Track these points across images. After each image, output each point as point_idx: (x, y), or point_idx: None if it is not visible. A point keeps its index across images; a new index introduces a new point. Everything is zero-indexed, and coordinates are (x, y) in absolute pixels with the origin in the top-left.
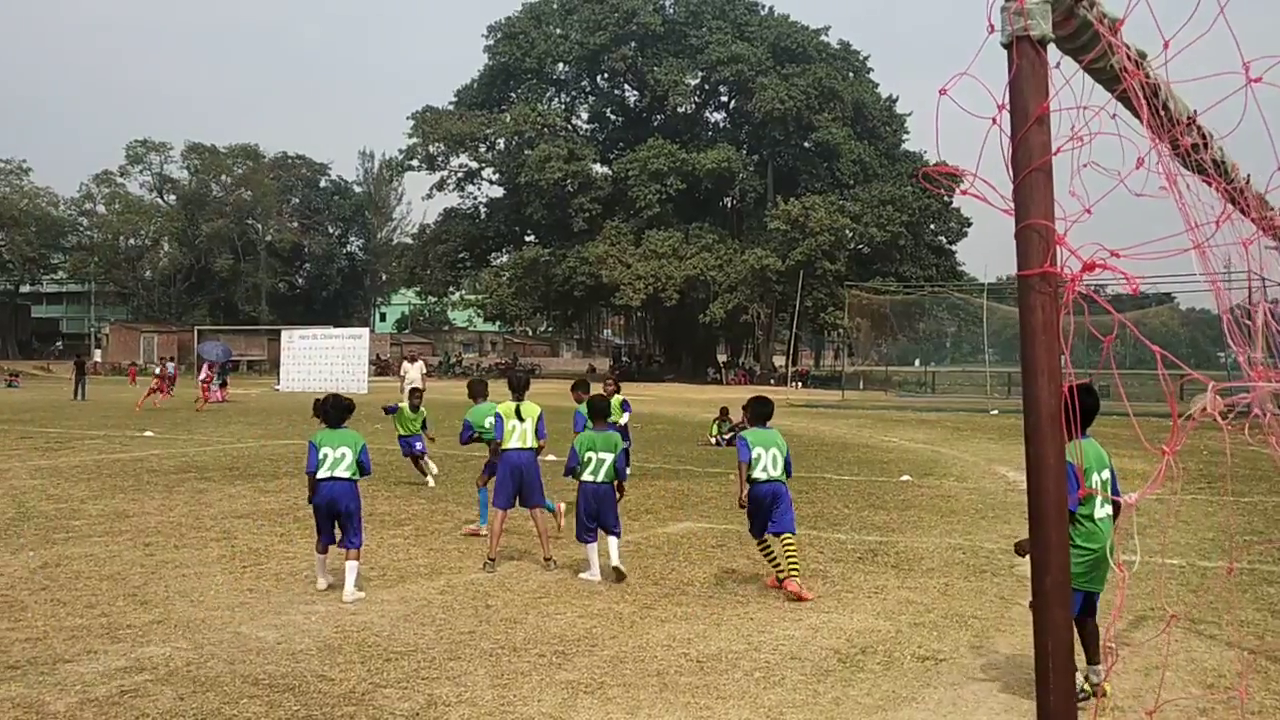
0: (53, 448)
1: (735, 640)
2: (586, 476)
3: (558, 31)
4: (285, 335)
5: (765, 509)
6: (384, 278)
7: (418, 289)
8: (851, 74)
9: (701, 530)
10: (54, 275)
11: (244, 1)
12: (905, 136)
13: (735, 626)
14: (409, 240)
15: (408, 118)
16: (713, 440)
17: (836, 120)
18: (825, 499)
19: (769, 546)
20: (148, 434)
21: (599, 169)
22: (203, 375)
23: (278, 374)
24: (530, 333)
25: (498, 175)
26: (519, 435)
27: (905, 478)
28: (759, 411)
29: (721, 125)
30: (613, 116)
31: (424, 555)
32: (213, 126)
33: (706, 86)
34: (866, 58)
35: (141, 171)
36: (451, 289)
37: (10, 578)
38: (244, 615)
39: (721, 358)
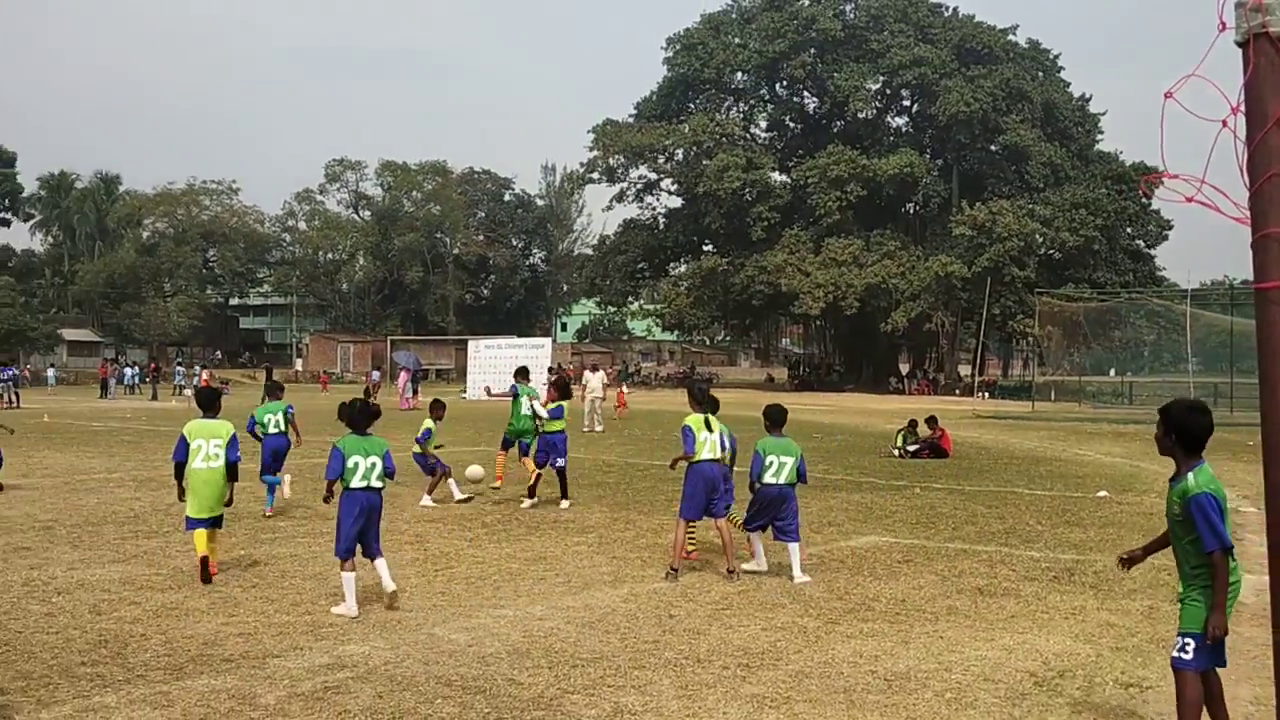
0: (258, 451)
1: (925, 659)
2: (769, 479)
3: (736, 41)
4: (471, 345)
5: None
6: (565, 288)
7: (597, 299)
8: (1041, 73)
9: (887, 544)
10: (260, 288)
11: (431, 27)
12: (1099, 137)
13: (924, 645)
14: (589, 251)
15: (588, 131)
16: (897, 452)
17: (1025, 122)
18: (1017, 514)
19: (694, 531)
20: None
21: (778, 177)
22: (401, 381)
23: (465, 382)
24: (708, 342)
25: (676, 186)
26: (709, 446)
27: (1102, 493)
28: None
29: (903, 130)
30: (791, 124)
31: (607, 563)
32: (404, 144)
33: (888, 91)
34: (1057, 56)
35: (339, 189)
36: (630, 299)
37: (225, 574)
38: (436, 617)
39: (904, 367)
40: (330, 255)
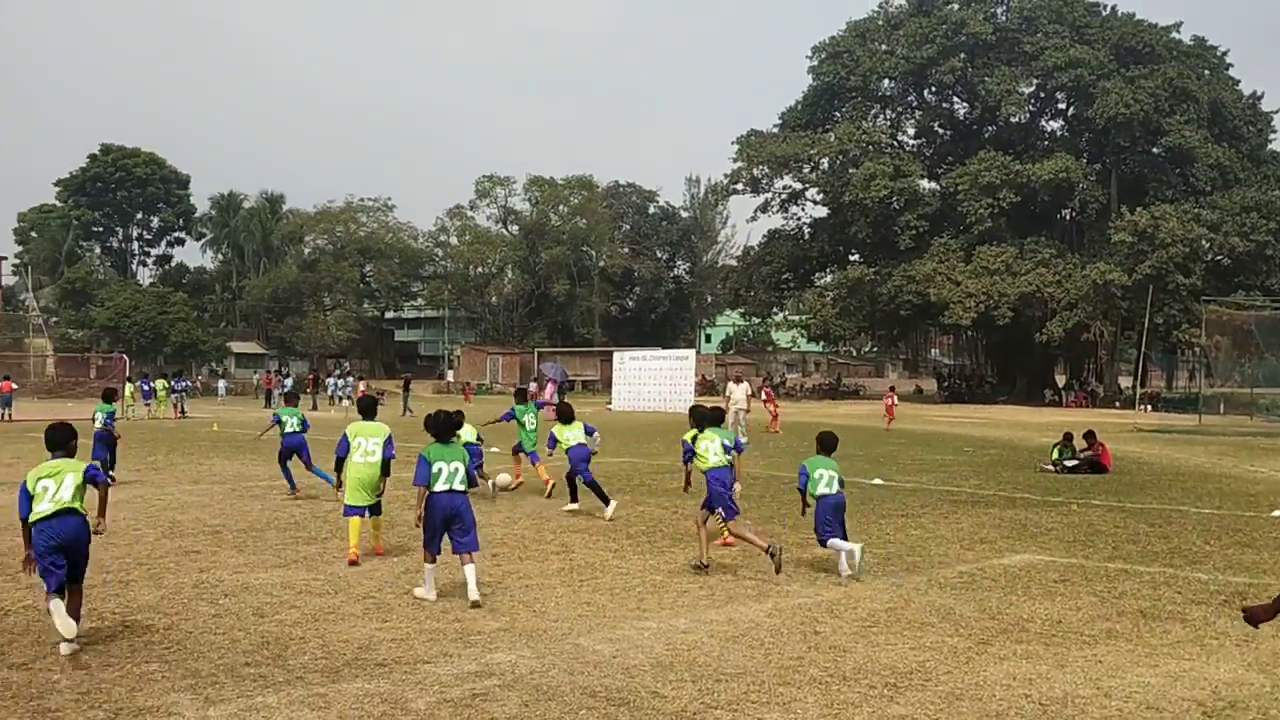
0: (411, 461)
1: (1082, 684)
2: (823, 490)
3: (883, 48)
4: (617, 356)
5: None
6: (709, 300)
7: (742, 310)
8: (1207, 71)
9: (1042, 563)
10: (413, 302)
11: (579, 43)
12: (1272, 136)
13: (1081, 669)
14: (733, 263)
15: (732, 142)
16: (1052, 467)
17: (1190, 123)
18: (1182, 533)
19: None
20: (494, 450)
21: (926, 185)
22: (548, 393)
23: (610, 393)
24: (854, 353)
25: (821, 195)
26: (714, 452)
27: (1277, 513)
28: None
29: (1058, 134)
30: (940, 130)
31: (751, 576)
32: (551, 159)
33: (1042, 94)
34: (1225, 53)
35: (489, 204)
36: (775, 310)
37: (378, 581)
38: (582, 628)
39: (1060, 379)
40: (480, 269)
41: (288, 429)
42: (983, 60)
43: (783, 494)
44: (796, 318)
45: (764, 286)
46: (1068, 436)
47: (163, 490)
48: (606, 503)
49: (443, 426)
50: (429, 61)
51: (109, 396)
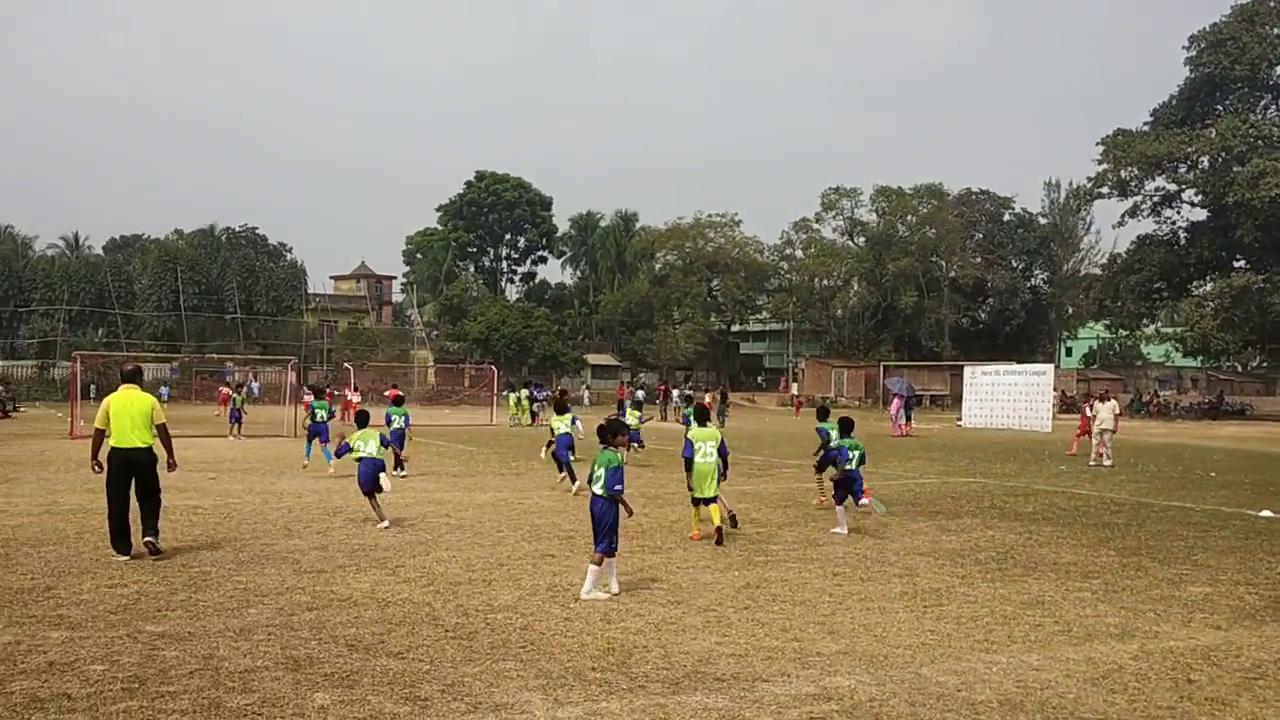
0: (755, 474)
1: None
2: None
3: (1275, 32)
4: (968, 371)
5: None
6: (1070, 311)
7: (1107, 322)
8: None
9: None
10: (758, 315)
11: (925, 46)
12: None
13: None
14: (1097, 271)
15: (1096, 143)
16: None
17: None
18: None
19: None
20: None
21: None
22: (894, 408)
23: (959, 409)
24: (1238, 369)
25: (1200, 197)
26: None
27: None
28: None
29: None
30: None
31: (1114, 613)
32: (899, 169)
33: None
34: None
35: (834, 216)
36: (1145, 321)
37: (719, 594)
38: (924, 656)
39: None
40: (825, 282)
41: (559, 431)
42: None
43: (1149, 524)
44: (1170, 330)
45: (1132, 296)
46: None
47: (523, 495)
48: (573, 480)
49: (608, 432)
50: (783, 81)
51: (319, 394)
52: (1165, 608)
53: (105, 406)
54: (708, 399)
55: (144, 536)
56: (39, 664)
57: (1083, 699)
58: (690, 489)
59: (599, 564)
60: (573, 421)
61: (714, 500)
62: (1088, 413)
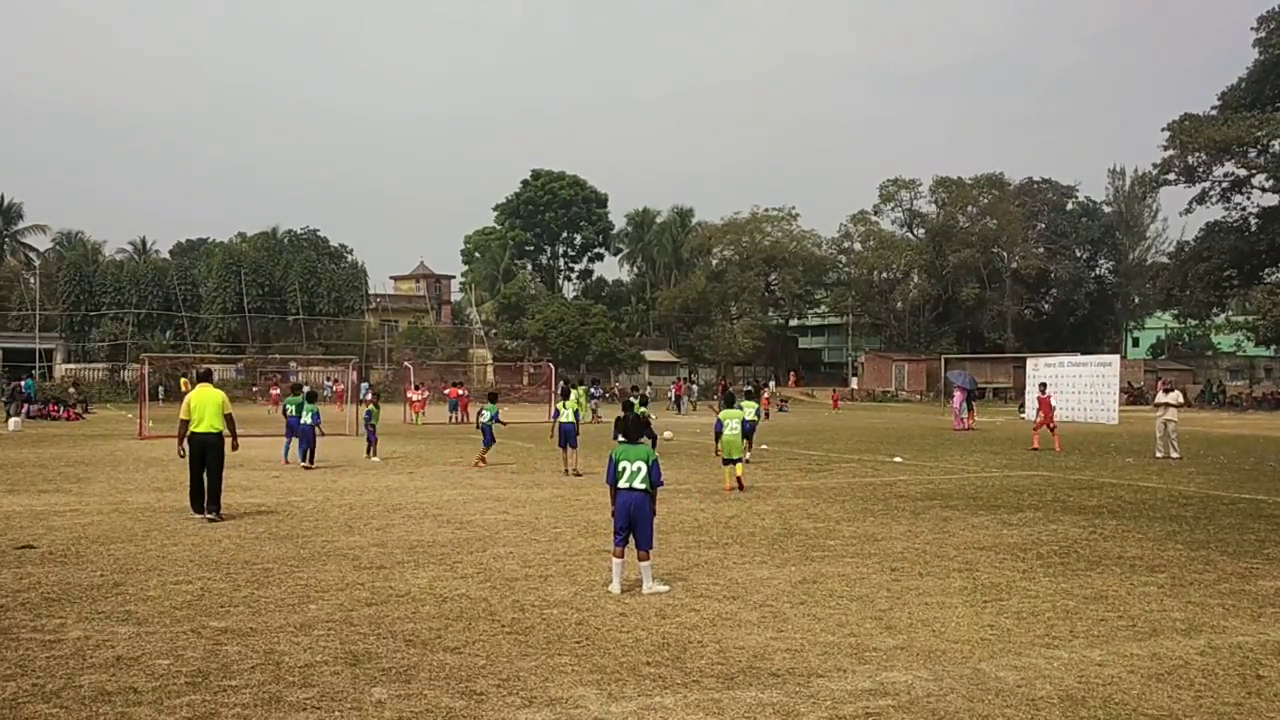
0: (814, 469)
1: None
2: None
3: None
4: (1030, 363)
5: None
6: (1136, 301)
7: (1175, 311)
8: None
9: None
10: (817, 309)
11: (982, 40)
12: None
13: None
14: (1165, 260)
15: (1162, 129)
16: None
17: None
18: None
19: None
20: (897, 459)
21: None
22: (956, 401)
23: (1022, 402)
24: None
25: (1271, 181)
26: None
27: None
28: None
29: None
30: None
31: (1180, 608)
32: (958, 159)
33: None
34: None
35: (893, 209)
36: (1215, 310)
37: (775, 589)
38: (984, 652)
39: None
40: (884, 274)
41: (562, 417)
42: None
43: (1219, 517)
44: (1241, 319)
45: (1201, 285)
46: None
47: (580, 492)
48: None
49: (630, 428)
50: (839, 69)
51: (296, 389)
52: (1234, 602)
53: (187, 401)
54: (765, 395)
55: (207, 513)
56: (107, 658)
57: (1146, 695)
58: (717, 453)
59: (647, 560)
60: (576, 415)
61: (739, 461)
62: (1051, 403)
